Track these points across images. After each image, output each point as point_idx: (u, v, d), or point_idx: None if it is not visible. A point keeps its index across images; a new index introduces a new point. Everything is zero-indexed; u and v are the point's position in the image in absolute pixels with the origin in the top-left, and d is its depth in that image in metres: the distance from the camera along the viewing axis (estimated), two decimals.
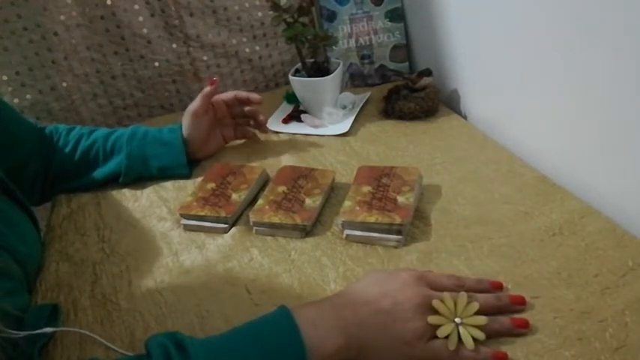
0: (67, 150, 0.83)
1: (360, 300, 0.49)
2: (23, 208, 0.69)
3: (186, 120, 0.85)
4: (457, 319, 0.48)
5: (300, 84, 0.99)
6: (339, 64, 0.98)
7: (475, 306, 0.49)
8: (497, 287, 0.55)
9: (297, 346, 0.44)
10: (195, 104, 0.85)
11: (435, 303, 0.49)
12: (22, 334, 0.48)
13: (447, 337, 0.47)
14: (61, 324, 0.58)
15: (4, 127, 0.74)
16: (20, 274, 0.60)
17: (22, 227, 0.67)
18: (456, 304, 0.49)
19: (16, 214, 0.67)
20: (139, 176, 0.85)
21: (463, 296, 0.50)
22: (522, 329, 0.49)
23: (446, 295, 0.50)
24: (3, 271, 0.56)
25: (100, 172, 0.84)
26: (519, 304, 0.52)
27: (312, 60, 0.98)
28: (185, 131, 0.85)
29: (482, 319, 0.48)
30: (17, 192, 0.68)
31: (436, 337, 0.48)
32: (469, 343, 0.47)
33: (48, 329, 0.52)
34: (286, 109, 1.06)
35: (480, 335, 0.47)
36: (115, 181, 0.84)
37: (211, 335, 0.47)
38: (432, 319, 0.48)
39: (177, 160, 0.84)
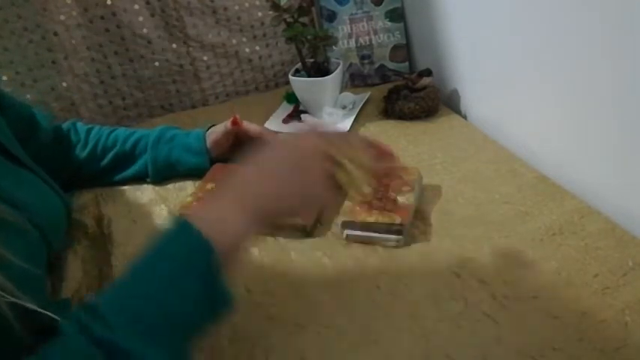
0: (86, 151, 0.83)
1: (242, 181, 0.49)
2: (41, 177, 0.68)
3: (209, 138, 0.85)
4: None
5: (300, 84, 0.99)
6: (339, 64, 0.98)
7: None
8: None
9: (196, 238, 0.42)
10: (217, 135, 0.84)
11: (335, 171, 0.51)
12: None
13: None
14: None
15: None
16: (37, 236, 0.57)
17: (39, 192, 0.64)
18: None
19: (35, 182, 0.66)
20: (164, 178, 0.85)
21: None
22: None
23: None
24: (18, 229, 0.52)
25: (122, 175, 0.85)
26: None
27: (312, 60, 0.98)
28: (209, 143, 0.85)
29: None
30: (31, 163, 0.67)
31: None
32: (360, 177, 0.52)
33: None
34: (286, 109, 1.06)
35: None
36: (137, 181, 0.85)
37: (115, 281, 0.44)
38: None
39: (203, 166, 0.84)
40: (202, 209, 0.47)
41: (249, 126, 0.85)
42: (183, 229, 0.44)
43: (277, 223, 0.50)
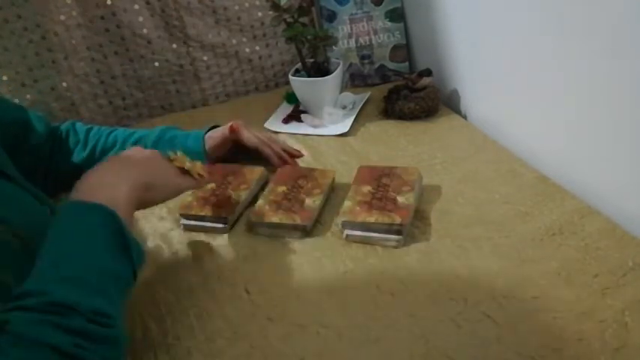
0: (86, 151, 0.83)
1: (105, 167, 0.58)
2: (24, 188, 0.68)
3: (207, 143, 0.84)
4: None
5: (300, 84, 0.99)
6: (339, 64, 0.98)
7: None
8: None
9: (96, 208, 0.49)
10: (216, 141, 0.84)
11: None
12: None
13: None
14: None
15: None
16: (19, 247, 0.59)
17: (21, 203, 0.65)
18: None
19: (14, 191, 0.66)
20: None
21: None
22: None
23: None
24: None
25: None
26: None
27: (312, 60, 0.98)
28: (207, 147, 0.84)
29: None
30: (13, 172, 0.67)
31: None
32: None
33: None
34: (286, 109, 1.06)
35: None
36: None
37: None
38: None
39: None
40: (90, 190, 0.53)
41: (247, 136, 0.85)
42: (84, 204, 0.50)
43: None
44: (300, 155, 0.90)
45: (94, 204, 0.50)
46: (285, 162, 0.85)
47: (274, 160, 0.85)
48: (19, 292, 0.44)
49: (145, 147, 0.83)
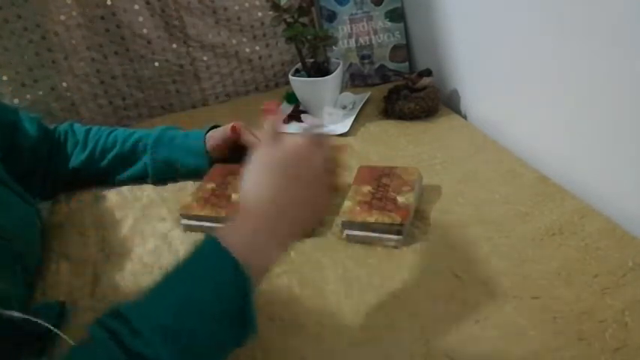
0: (86, 152, 0.83)
1: (276, 211, 0.48)
2: (10, 189, 0.68)
3: (208, 143, 0.84)
4: None
5: (300, 84, 0.99)
6: (339, 64, 0.98)
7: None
8: None
9: (240, 277, 0.43)
10: (217, 141, 0.83)
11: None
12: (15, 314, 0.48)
13: None
14: (68, 323, 0.59)
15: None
16: (2, 247, 0.58)
17: (5, 203, 0.65)
18: None
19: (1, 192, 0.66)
20: (164, 178, 0.85)
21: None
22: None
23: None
24: None
25: (122, 176, 0.84)
26: None
27: (312, 60, 0.98)
28: (208, 147, 0.84)
29: None
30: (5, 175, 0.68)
31: None
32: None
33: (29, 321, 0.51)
34: (286, 109, 1.06)
35: None
36: (137, 182, 0.85)
37: (146, 291, 0.44)
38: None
39: (202, 167, 0.83)
40: (236, 232, 0.46)
41: (248, 137, 0.82)
42: (219, 253, 0.44)
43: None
44: None
45: (233, 261, 0.43)
46: None
47: None
48: (121, 308, 0.41)
49: (145, 148, 0.83)
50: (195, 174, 0.83)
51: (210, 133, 0.85)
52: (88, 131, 0.85)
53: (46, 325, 0.51)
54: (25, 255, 0.64)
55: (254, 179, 0.51)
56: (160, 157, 0.83)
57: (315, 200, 0.51)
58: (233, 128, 0.83)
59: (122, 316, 0.41)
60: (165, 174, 0.84)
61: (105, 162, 0.83)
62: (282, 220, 0.48)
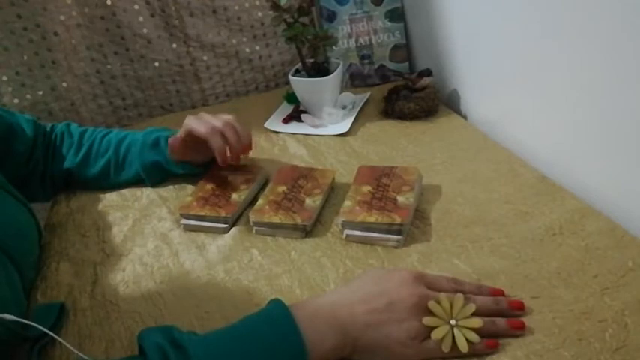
0: (80, 156, 0.83)
1: (357, 298, 0.49)
2: (5, 190, 0.68)
3: (169, 144, 0.80)
4: (452, 321, 0.48)
5: (300, 84, 0.99)
6: (339, 64, 0.98)
7: (471, 308, 0.49)
8: (498, 294, 0.54)
9: (296, 345, 0.44)
10: (175, 142, 0.77)
11: (431, 304, 0.49)
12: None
13: (441, 339, 0.47)
14: (68, 323, 0.59)
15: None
16: (1, 253, 0.58)
17: (3, 209, 0.65)
18: (452, 306, 0.49)
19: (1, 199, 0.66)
20: (161, 181, 0.85)
21: (459, 297, 0.49)
22: (518, 330, 0.49)
23: (442, 295, 0.50)
24: None
25: (117, 181, 0.84)
26: (517, 309, 0.52)
27: (312, 60, 0.98)
28: (168, 149, 0.80)
29: (477, 321, 0.48)
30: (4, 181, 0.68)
31: (430, 337, 0.48)
32: (463, 345, 0.47)
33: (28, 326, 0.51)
34: (286, 109, 1.06)
35: (475, 338, 0.47)
36: (135, 185, 0.85)
37: (209, 332, 0.47)
38: (427, 321, 0.48)
39: (194, 168, 0.82)
40: (312, 314, 0.47)
41: (195, 125, 0.74)
42: (288, 328, 0.45)
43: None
44: (248, 151, 0.81)
45: (297, 335, 0.45)
46: (225, 163, 0.76)
47: (217, 158, 0.75)
48: (181, 340, 0.44)
49: (135, 154, 0.81)
50: (189, 173, 0.83)
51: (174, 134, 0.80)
52: (82, 133, 0.85)
53: (43, 329, 0.51)
54: (23, 259, 0.63)
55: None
56: (148, 162, 0.82)
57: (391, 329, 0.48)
58: (224, 158, 0.77)
59: (182, 349, 0.43)
60: (158, 177, 0.84)
61: (97, 168, 0.83)
62: (346, 308, 0.48)
